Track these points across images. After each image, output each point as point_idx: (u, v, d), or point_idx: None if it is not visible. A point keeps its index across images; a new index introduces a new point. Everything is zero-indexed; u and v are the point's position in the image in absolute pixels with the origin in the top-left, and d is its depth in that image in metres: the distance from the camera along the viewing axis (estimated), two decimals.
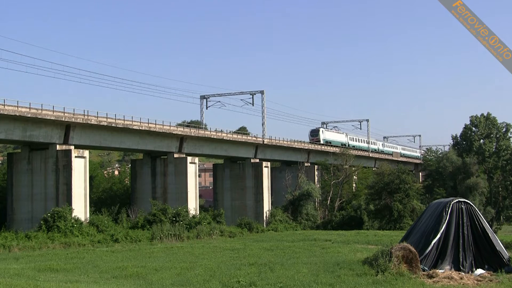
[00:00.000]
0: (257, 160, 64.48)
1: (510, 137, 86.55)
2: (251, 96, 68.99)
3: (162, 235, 39.14)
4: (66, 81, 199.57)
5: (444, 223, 18.35)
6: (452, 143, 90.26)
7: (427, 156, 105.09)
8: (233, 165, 65.38)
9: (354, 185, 77.23)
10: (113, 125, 46.17)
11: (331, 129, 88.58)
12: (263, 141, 65.18)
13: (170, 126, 52.52)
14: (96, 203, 54.15)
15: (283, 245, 31.70)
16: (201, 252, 28.01)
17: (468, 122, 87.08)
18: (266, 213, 62.26)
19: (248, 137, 66.43)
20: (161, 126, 51.06)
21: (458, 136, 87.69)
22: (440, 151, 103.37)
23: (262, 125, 69.00)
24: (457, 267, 18.05)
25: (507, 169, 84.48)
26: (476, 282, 16.10)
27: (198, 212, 52.00)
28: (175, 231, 40.34)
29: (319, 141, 79.25)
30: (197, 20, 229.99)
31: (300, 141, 75.02)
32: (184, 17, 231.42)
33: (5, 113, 38.03)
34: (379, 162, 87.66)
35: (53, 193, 42.55)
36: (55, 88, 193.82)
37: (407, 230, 22.50)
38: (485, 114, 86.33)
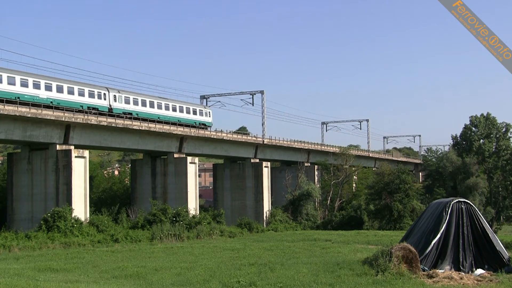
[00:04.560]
0: (257, 160, 64.49)
1: (510, 137, 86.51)
2: (251, 96, 69.08)
3: (162, 235, 39.15)
4: None
5: (444, 223, 18.35)
6: (452, 143, 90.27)
7: (428, 156, 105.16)
8: (233, 165, 65.41)
9: (354, 185, 77.25)
10: (113, 125, 46.18)
11: None
12: (263, 141, 65.18)
13: (170, 126, 52.54)
14: (96, 203, 54.14)
15: (283, 245, 31.70)
16: (201, 252, 28.02)
17: (468, 122, 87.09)
18: (266, 213, 62.29)
19: (248, 137, 66.42)
20: (161, 126, 51.08)
21: (458, 136, 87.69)
22: (440, 151, 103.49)
23: (262, 125, 69.11)
24: (457, 267, 18.05)
25: (507, 169, 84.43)
26: (476, 282, 16.09)
27: (198, 212, 52.01)
28: (175, 231, 40.35)
29: None
30: (197, 20, 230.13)
31: (300, 141, 75.00)
32: (184, 17, 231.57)
33: (5, 113, 38.04)
34: (379, 162, 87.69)
35: (53, 193, 42.56)
36: None
37: (407, 230, 22.50)
38: (485, 114, 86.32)
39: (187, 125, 54.59)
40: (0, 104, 38.10)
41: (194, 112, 57.98)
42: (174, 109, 54.54)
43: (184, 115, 56.07)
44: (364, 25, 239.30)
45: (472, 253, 18.43)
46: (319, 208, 67.13)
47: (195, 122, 57.07)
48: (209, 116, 59.86)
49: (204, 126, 58.16)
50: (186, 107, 57.12)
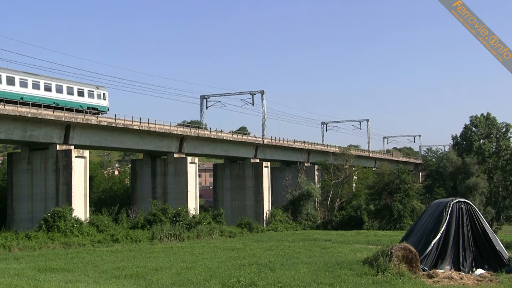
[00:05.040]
0: (257, 160, 64.50)
1: (510, 137, 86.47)
2: (251, 96, 69.12)
3: (162, 235, 39.15)
4: None
5: (444, 223, 18.35)
6: (452, 143, 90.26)
7: (428, 156, 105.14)
8: (233, 165, 65.43)
9: (354, 185, 77.27)
10: (113, 125, 46.18)
11: None
12: (263, 141, 65.18)
13: (170, 126, 52.54)
14: (96, 203, 54.16)
15: (283, 245, 31.69)
16: (201, 252, 28.01)
17: (468, 122, 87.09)
18: (266, 213, 62.30)
19: (248, 137, 66.47)
20: (161, 126, 51.09)
21: (458, 136, 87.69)
22: (440, 151, 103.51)
23: (262, 125, 69.13)
24: (457, 267, 18.05)
25: (507, 169, 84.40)
26: (476, 282, 16.09)
27: (198, 212, 52.02)
28: (175, 231, 40.36)
29: None
30: (197, 20, 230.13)
31: (300, 141, 75.05)
32: (184, 17, 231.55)
33: (5, 113, 38.07)
34: (379, 162, 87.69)
35: (53, 193, 42.58)
36: None
37: (407, 230, 22.49)
38: (485, 114, 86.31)
39: (69, 109, 44.07)
40: (0, 104, 38.13)
41: (80, 93, 45.90)
42: (48, 89, 43.12)
43: (63, 96, 44.28)
44: (364, 25, 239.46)
45: (472, 253, 18.43)
46: (319, 208, 67.14)
47: (81, 106, 45.80)
48: (103, 99, 48.34)
49: (96, 111, 47.39)
50: (68, 87, 45.04)
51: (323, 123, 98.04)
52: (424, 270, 17.22)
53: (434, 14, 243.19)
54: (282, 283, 15.75)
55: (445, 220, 18.37)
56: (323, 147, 78.76)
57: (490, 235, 18.69)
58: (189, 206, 50.78)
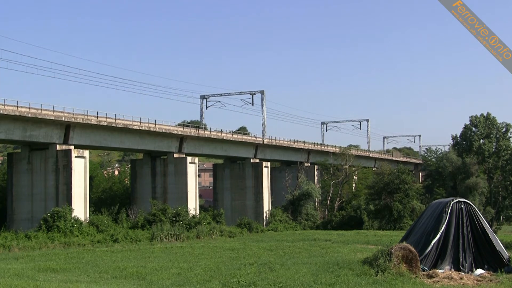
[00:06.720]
0: (257, 160, 64.49)
1: (510, 137, 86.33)
2: (251, 96, 69.13)
3: (162, 235, 39.16)
4: (66, 81, 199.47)
5: (444, 223, 18.35)
6: (452, 143, 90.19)
7: (427, 156, 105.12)
8: (233, 165, 65.41)
9: (354, 185, 77.25)
10: (113, 125, 46.18)
11: None
12: (263, 141, 65.17)
13: (170, 126, 52.54)
14: (96, 203, 54.10)
15: (283, 245, 31.69)
16: (201, 252, 28.00)
17: (468, 122, 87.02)
18: (266, 213, 62.29)
19: (248, 137, 66.47)
20: (161, 126, 51.08)
21: (458, 136, 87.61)
22: (440, 151, 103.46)
23: (262, 125, 69.11)
24: (457, 267, 18.05)
25: (507, 169, 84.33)
26: (476, 282, 16.09)
27: (198, 212, 52.02)
28: (175, 231, 40.37)
29: None
30: (197, 20, 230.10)
31: (300, 141, 74.98)
32: (184, 17, 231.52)
33: (5, 113, 38.07)
34: (379, 162, 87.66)
35: (53, 193, 42.56)
36: (55, 88, 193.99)
37: (407, 230, 22.49)
38: (485, 114, 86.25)
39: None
40: (0, 104, 38.15)
41: None
42: None
43: None
44: (364, 25, 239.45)
45: (472, 253, 18.43)
46: (319, 208, 67.13)
47: None
48: None
49: None
50: None
51: (323, 123, 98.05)
52: (424, 270, 17.22)
53: (434, 14, 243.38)
54: (282, 283, 15.75)
55: (445, 220, 18.38)
56: (323, 147, 78.76)
57: (490, 235, 18.70)
58: (189, 206, 50.77)
